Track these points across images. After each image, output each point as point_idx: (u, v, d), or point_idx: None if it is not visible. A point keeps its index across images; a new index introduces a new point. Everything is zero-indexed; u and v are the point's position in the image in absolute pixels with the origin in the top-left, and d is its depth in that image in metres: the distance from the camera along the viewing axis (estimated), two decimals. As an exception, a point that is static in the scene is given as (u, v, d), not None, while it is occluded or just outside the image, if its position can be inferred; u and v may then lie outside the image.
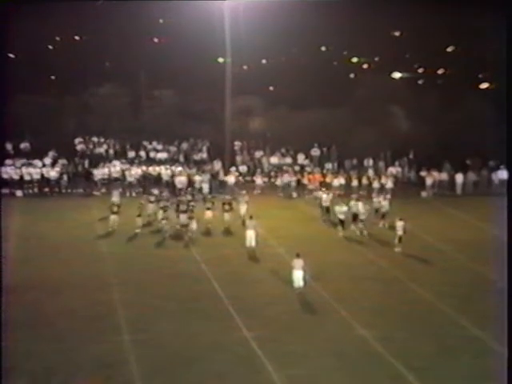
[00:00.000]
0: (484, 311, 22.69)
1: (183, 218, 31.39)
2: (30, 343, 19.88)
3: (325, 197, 34.52)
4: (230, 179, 40.02)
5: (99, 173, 40.02)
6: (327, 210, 34.08)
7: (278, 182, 40.13)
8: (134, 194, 39.07)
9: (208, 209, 32.11)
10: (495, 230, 32.46)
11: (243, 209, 32.76)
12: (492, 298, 23.98)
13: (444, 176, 41.13)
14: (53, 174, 39.69)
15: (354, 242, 30.88)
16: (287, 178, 40.14)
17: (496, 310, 22.56)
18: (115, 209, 31.87)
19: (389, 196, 35.13)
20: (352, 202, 32.33)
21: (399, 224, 29.61)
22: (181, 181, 39.22)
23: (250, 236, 29.28)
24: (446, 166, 41.66)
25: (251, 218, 30.03)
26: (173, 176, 39.74)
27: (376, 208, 33.36)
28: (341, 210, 31.79)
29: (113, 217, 31.60)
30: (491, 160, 42.02)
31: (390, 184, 38.92)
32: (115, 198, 34.76)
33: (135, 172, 40.18)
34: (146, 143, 45.09)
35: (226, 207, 32.39)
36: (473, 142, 42.16)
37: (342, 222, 31.77)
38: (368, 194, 38.70)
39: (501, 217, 33.96)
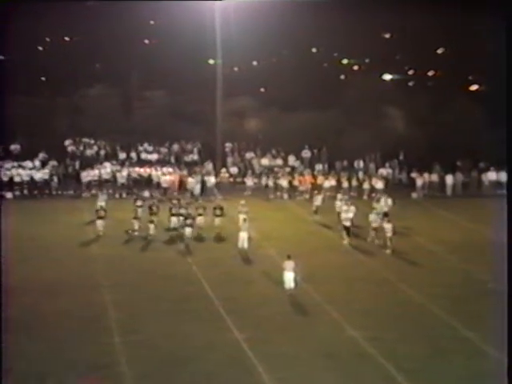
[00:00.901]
0: (475, 312, 22.77)
1: (174, 220, 31.18)
2: (23, 345, 19.80)
3: (339, 204, 33.28)
4: (210, 180, 39.81)
5: (89, 174, 39.93)
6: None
7: (270, 183, 40.13)
8: (124, 196, 39.06)
9: (200, 215, 31.30)
10: (486, 230, 32.63)
11: (242, 217, 30.95)
12: (483, 298, 24.09)
13: (434, 177, 41.26)
14: (43, 175, 39.57)
15: (343, 242, 30.86)
16: (263, 180, 39.94)
17: (487, 311, 22.69)
18: (102, 213, 31.23)
19: (379, 196, 35.15)
20: (344, 208, 31.86)
21: (387, 226, 29.69)
22: (166, 180, 39.26)
23: (243, 238, 29.15)
24: (436, 167, 41.79)
25: (244, 220, 29.87)
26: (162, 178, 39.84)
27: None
28: (347, 216, 30.85)
29: (99, 222, 31.00)
30: (481, 161, 42.19)
31: (380, 185, 39.02)
32: (101, 202, 33.84)
33: (125, 173, 40.11)
34: (137, 144, 45.02)
35: (217, 212, 31.52)
36: (463, 143, 42.32)
37: (347, 228, 30.67)
38: (358, 195, 38.95)
39: (491, 218, 34.36)
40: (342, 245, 30.58)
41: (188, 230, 30.00)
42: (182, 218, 30.86)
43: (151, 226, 30.69)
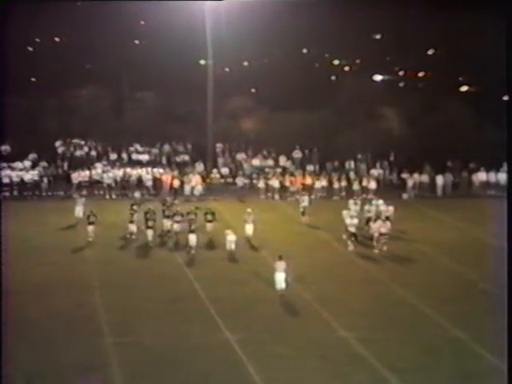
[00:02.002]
0: (466, 312, 22.87)
1: (167, 223, 30.52)
2: (13, 347, 19.64)
3: (350, 211, 31.66)
4: (195, 179, 39.45)
5: (80, 175, 39.83)
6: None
7: (260, 184, 40.11)
8: (113, 197, 38.96)
9: (192, 231, 29.18)
10: (476, 231, 32.79)
11: (249, 229, 30.34)
12: (474, 299, 24.21)
13: (425, 178, 41.36)
14: (33, 176, 39.42)
15: (336, 243, 30.91)
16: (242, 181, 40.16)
17: (478, 311, 22.84)
18: (92, 219, 30.43)
19: (370, 197, 35.09)
20: (345, 212, 31.31)
21: (374, 226, 29.70)
22: (157, 181, 39.19)
23: (230, 240, 28.66)
24: (426, 167, 41.89)
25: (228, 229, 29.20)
26: (154, 179, 39.71)
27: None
28: (352, 222, 30.08)
29: (90, 227, 30.32)
30: (471, 162, 42.32)
31: (373, 185, 39.18)
32: (79, 205, 32.80)
33: (116, 174, 40.01)
34: (127, 145, 44.91)
35: (209, 217, 30.62)
36: (453, 144, 42.46)
37: (354, 235, 29.91)
38: (349, 196, 39.09)
39: (481, 218, 34.57)
40: (333, 245, 30.63)
41: (192, 238, 28.92)
42: (176, 222, 30.06)
43: (149, 233, 29.87)
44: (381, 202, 32.68)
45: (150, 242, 29.88)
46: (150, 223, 30.00)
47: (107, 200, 38.58)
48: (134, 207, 31.85)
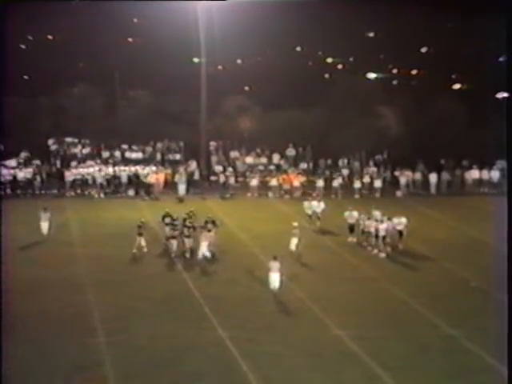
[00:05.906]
0: (458, 310, 22.93)
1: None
2: (5, 346, 19.54)
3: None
4: (182, 180, 39.24)
5: (73, 173, 39.75)
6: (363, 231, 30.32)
7: (254, 182, 40.12)
8: (102, 196, 38.83)
9: (187, 236, 28.32)
10: (469, 229, 32.86)
11: (294, 242, 28.46)
12: (466, 296, 24.28)
13: (418, 176, 41.44)
14: (26, 174, 39.32)
15: (330, 242, 30.94)
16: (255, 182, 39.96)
17: (470, 309, 22.91)
18: (141, 230, 28.40)
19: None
20: (347, 213, 30.76)
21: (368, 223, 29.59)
22: (150, 179, 39.11)
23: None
24: (419, 165, 41.97)
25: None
26: (146, 177, 39.72)
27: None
28: (382, 227, 29.07)
29: (139, 238, 28.27)
30: (464, 160, 42.42)
31: (378, 184, 39.45)
32: (44, 221, 30.61)
33: (108, 172, 39.94)
34: (120, 143, 44.84)
35: (209, 226, 28.63)
36: (446, 141, 42.56)
37: (384, 238, 29.22)
38: (347, 194, 39.20)
39: (474, 216, 34.64)
40: (327, 244, 30.64)
41: (189, 241, 28.25)
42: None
43: (174, 243, 28.50)
44: (378, 213, 30.33)
45: (174, 252, 28.37)
46: (176, 233, 28.62)
47: (99, 198, 38.50)
48: (166, 220, 29.39)
